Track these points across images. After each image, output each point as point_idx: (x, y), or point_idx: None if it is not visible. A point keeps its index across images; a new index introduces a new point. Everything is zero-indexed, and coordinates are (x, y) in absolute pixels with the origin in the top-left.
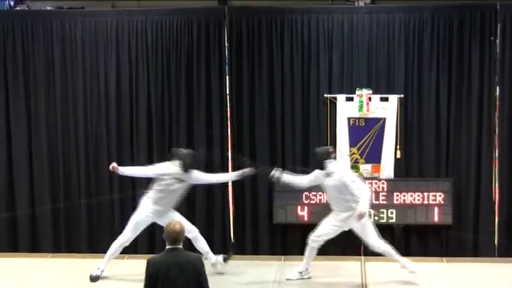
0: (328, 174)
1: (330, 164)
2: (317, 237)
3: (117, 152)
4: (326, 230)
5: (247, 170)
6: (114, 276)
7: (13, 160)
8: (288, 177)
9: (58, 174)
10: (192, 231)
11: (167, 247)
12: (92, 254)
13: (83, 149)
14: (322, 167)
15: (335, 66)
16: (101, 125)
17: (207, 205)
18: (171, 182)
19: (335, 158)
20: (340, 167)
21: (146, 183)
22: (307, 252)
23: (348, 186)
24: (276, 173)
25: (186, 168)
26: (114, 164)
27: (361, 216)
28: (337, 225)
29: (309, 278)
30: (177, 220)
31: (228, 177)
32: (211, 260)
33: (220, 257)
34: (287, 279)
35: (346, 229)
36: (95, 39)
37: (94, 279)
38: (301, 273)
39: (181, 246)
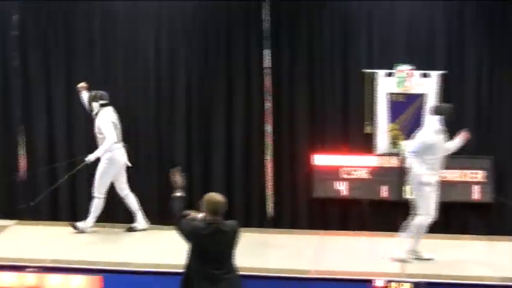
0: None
1: None
2: None
3: (156, 128)
4: None
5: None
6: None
7: (54, 132)
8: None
9: (96, 147)
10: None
11: (207, 218)
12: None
13: (122, 125)
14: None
15: (375, 41)
16: (139, 102)
17: (246, 179)
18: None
19: None
20: None
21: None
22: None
23: None
24: None
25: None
26: None
27: None
28: None
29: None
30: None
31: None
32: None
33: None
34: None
35: None
36: (135, 14)
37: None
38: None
39: (213, 218)
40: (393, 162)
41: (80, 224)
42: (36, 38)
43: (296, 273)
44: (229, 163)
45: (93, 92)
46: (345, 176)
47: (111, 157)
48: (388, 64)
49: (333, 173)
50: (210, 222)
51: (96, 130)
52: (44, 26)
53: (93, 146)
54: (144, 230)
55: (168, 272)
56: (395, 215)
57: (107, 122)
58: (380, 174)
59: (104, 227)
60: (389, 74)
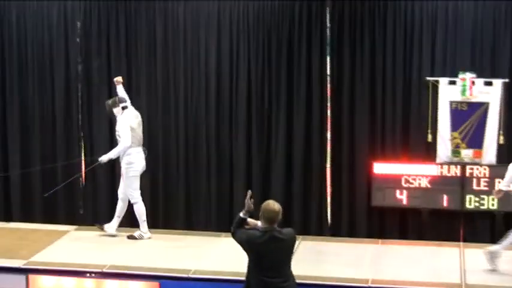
0: None
1: None
2: None
3: (216, 131)
4: None
5: None
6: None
7: (114, 138)
8: None
9: (157, 151)
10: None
11: (263, 226)
12: (188, 230)
13: (182, 127)
14: None
15: (438, 49)
16: (201, 105)
17: (304, 186)
18: None
19: None
20: None
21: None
22: None
23: None
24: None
25: None
26: None
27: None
28: None
29: None
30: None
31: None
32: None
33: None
34: None
35: None
36: (197, 17)
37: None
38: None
39: (270, 226)
40: (454, 171)
41: (137, 234)
42: (98, 44)
43: (354, 282)
44: (289, 170)
45: (112, 99)
46: (405, 185)
47: (129, 161)
48: (451, 72)
49: (393, 182)
50: (265, 230)
51: (117, 134)
52: (106, 33)
53: (152, 149)
54: (113, 235)
55: (227, 280)
56: (456, 225)
57: (125, 125)
58: (441, 183)
59: (162, 233)
60: (452, 82)
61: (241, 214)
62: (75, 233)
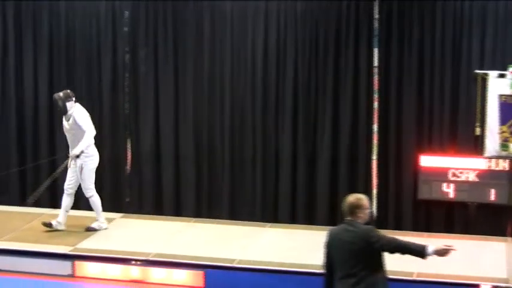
0: None
1: None
2: None
3: (262, 123)
4: None
5: None
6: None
7: (160, 128)
8: None
9: (202, 142)
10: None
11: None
12: (232, 220)
13: (228, 119)
14: None
15: (487, 41)
16: (247, 96)
17: (350, 178)
18: None
19: None
20: None
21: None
22: None
23: None
24: None
25: None
26: None
27: None
28: None
29: None
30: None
31: None
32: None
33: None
34: None
35: None
36: (244, 8)
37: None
38: None
39: (350, 218)
40: (503, 165)
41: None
42: (146, 34)
43: (400, 275)
44: (335, 162)
45: (63, 92)
46: (452, 178)
47: (90, 153)
48: (501, 65)
49: (439, 175)
50: (342, 225)
51: (69, 127)
52: (154, 23)
53: (198, 139)
54: (61, 230)
55: (271, 270)
56: (503, 219)
57: (84, 116)
58: (488, 177)
59: (206, 223)
60: (502, 75)
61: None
62: (121, 220)
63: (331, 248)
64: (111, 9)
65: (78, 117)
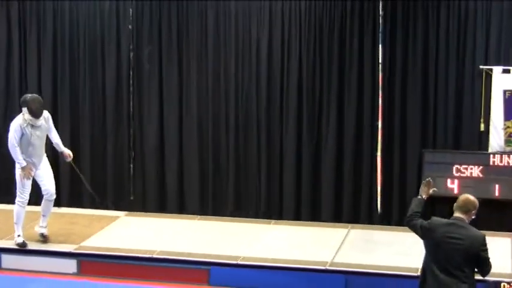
0: None
1: None
2: None
3: (267, 120)
4: None
5: None
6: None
7: (164, 126)
8: None
9: (207, 140)
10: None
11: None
12: (236, 218)
13: (232, 116)
14: None
15: (492, 37)
16: (252, 94)
17: (355, 175)
18: None
19: None
20: None
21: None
22: None
23: None
24: None
25: None
26: None
27: None
28: None
29: None
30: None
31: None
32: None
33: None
34: None
35: None
36: (249, 6)
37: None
38: None
39: (462, 216)
40: (507, 160)
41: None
42: (150, 32)
43: (406, 271)
44: (339, 158)
45: (39, 97)
46: (456, 174)
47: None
48: (505, 60)
49: (444, 171)
50: (451, 220)
51: (40, 133)
52: (158, 21)
53: (202, 137)
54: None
55: (276, 267)
56: (508, 215)
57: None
58: (493, 173)
59: (211, 220)
60: (506, 71)
61: (419, 197)
62: (126, 218)
63: (430, 238)
64: (115, 7)
65: (50, 120)
